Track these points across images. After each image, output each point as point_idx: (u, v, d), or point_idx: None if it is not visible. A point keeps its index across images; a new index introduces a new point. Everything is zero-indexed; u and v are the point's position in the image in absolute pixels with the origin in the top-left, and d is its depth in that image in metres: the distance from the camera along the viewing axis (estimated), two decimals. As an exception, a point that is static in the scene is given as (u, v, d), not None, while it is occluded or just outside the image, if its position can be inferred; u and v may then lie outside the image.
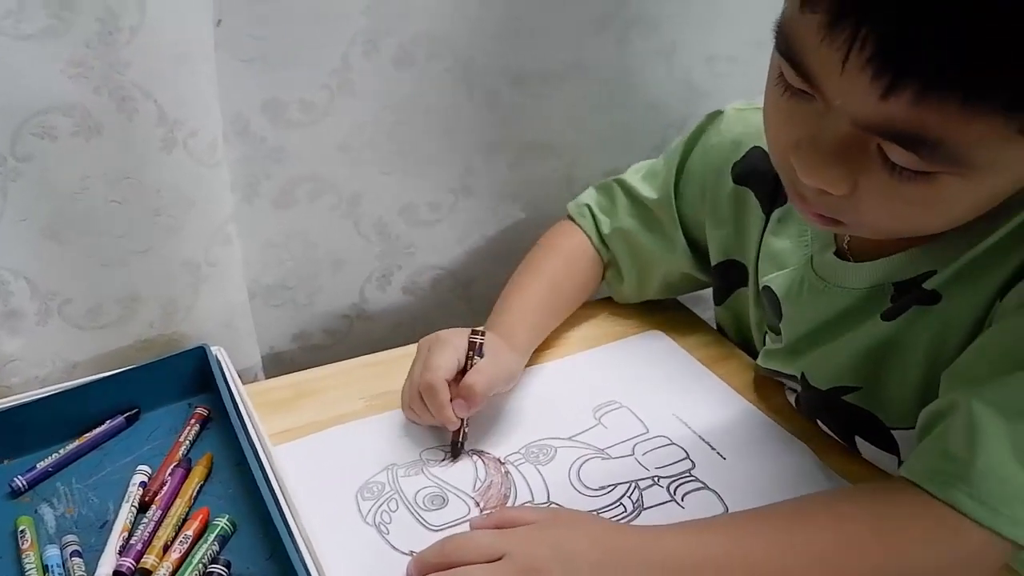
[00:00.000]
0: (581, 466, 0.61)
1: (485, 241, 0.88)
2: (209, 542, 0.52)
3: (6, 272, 0.60)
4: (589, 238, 0.76)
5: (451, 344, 0.62)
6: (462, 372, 0.61)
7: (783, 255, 0.63)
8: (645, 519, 0.56)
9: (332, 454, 0.61)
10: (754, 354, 0.70)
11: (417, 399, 0.61)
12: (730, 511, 0.57)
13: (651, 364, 0.72)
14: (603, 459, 0.61)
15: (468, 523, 0.54)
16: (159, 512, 0.54)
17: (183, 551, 0.52)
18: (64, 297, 0.64)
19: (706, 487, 0.59)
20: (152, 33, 0.55)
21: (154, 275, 0.66)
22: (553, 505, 0.57)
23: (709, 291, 0.77)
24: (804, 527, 0.49)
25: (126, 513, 0.54)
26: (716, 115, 0.70)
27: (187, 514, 0.55)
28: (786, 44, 0.43)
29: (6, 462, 0.59)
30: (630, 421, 0.65)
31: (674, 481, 0.59)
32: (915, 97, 0.38)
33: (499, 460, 0.61)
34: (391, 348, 0.74)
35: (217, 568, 0.51)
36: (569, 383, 0.70)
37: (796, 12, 0.42)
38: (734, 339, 0.76)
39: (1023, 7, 0.35)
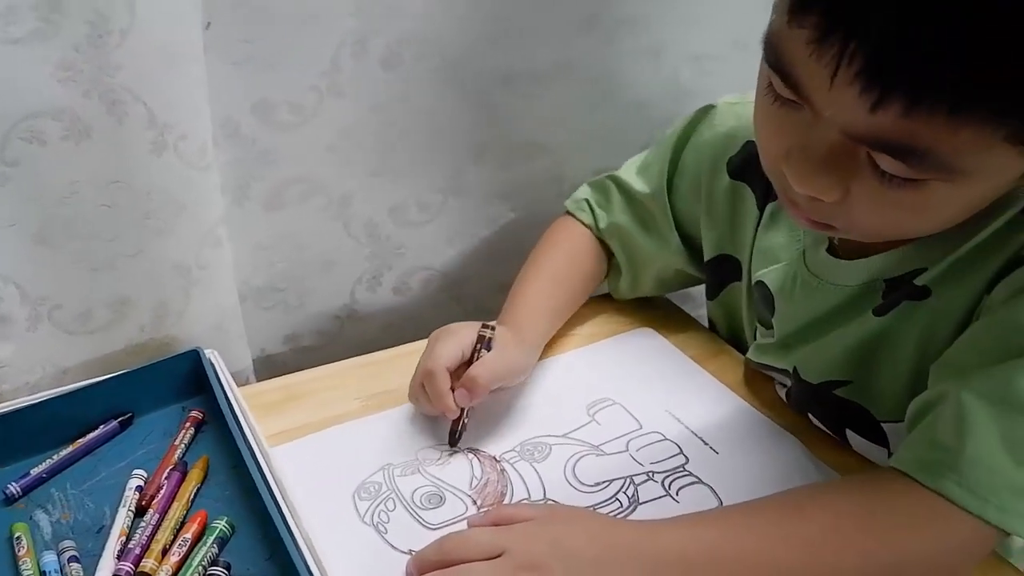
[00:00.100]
0: (576, 463, 0.61)
1: (475, 241, 0.88)
2: (208, 544, 0.52)
3: (-5, 277, 0.60)
4: (591, 231, 0.77)
5: (458, 335, 0.63)
6: (469, 364, 0.62)
7: (776, 250, 0.63)
8: (641, 514, 0.57)
9: (328, 455, 0.61)
10: (745, 349, 0.70)
11: (419, 387, 0.62)
12: (724, 504, 0.57)
13: (643, 361, 0.73)
14: (598, 455, 0.62)
15: (466, 521, 0.55)
16: (156, 516, 0.54)
17: (182, 554, 0.51)
18: (54, 302, 0.63)
19: (700, 481, 0.60)
20: (141, 36, 0.55)
21: (144, 279, 0.66)
22: (550, 502, 0.58)
23: (698, 289, 0.78)
24: (795, 519, 0.50)
25: (123, 517, 0.54)
26: (708, 109, 0.70)
27: (185, 517, 0.54)
28: (775, 57, 0.44)
29: (-1, 468, 0.59)
30: (623, 418, 0.66)
31: (668, 476, 0.60)
32: (904, 110, 0.39)
33: (494, 458, 0.62)
34: (382, 349, 0.74)
35: (217, 570, 0.51)
36: (562, 381, 0.70)
37: (784, 26, 0.42)
38: (725, 334, 0.77)
39: (1010, 19, 0.36)
